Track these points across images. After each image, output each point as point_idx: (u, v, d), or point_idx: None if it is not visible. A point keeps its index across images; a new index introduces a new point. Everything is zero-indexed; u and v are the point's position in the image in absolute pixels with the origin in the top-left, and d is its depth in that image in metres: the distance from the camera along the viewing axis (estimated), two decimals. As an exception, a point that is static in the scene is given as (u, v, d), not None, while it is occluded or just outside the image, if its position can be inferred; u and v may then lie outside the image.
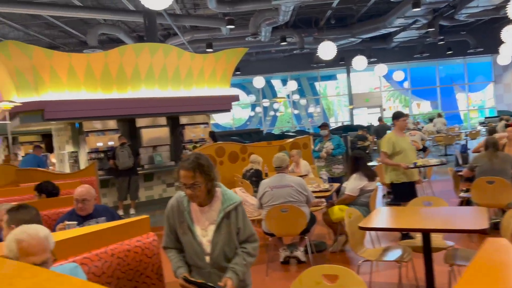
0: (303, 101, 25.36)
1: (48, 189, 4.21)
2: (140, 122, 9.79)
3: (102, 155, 9.22)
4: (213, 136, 8.78)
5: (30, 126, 9.77)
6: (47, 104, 8.33)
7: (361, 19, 18.27)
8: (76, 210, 3.53)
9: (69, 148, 9.46)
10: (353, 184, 4.75)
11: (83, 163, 9.27)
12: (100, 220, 3.59)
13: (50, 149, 13.57)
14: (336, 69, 23.50)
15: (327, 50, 12.84)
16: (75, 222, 3.22)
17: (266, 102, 24.62)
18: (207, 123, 10.59)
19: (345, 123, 23.35)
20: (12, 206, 2.77)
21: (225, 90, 10.64)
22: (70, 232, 2.56)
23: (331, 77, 26.13)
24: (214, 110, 10.47)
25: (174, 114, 9.96)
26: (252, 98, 25.21)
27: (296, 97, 25.12)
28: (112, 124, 9.46)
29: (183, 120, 10.32)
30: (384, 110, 23.56)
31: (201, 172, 2.27)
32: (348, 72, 22.88)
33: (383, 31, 17.50)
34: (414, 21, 16.65)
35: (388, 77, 24.24)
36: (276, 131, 23.23)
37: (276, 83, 26.01)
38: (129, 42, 15.33)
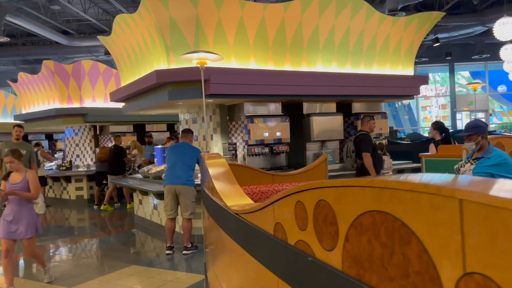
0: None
1: None
2: (307, 107, 7.20)
3: (266, 149, 6.63)
4: (441, 127, 6.10)
5: (163, 107, 7.28)
6: (212, 73, 5.78)
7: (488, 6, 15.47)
8: None
9: (217, 138, 6.90)
10: None
11: (240, 158, 6.70)
12: None
13: (143, 142, 11.19)
14: (436, 65, 20.61)
15: (507, 28, 10.06)
16: None
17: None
18: (385, 113, 7.92)
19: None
20: None
21: (407, 71, 7.97)
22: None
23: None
24: (398, 96, 7.80)
25: (349, 98, 7.31)
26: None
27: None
28: (275, 109, 6.89)
29: (356, 107, 7.70)
30: (490, 115, 20.47)
31: None
32: (452, 70, 19.98)
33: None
34: None
35: (478, 77, 21.28)
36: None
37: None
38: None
